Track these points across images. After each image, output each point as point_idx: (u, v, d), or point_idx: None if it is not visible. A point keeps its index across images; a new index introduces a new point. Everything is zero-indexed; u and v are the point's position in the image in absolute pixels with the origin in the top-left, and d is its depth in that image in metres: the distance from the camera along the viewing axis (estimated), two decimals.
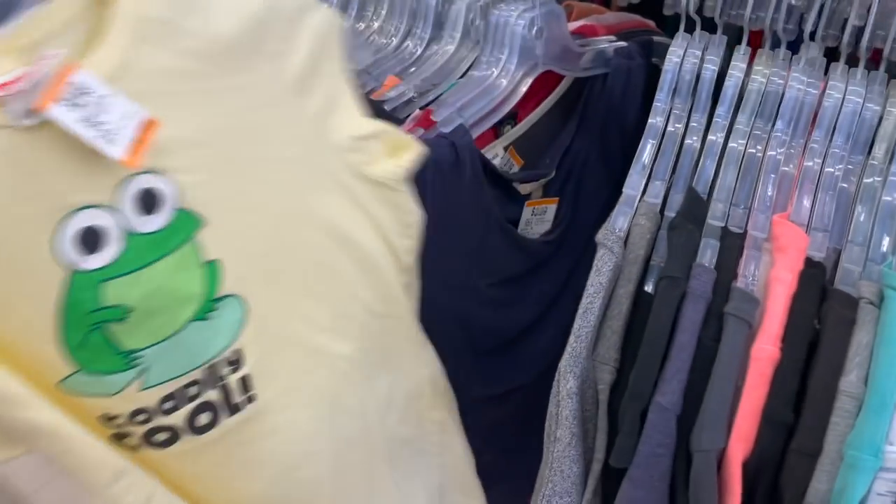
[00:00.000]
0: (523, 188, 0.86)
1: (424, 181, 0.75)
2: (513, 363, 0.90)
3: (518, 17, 0.82)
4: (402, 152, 0.66)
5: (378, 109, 0.80)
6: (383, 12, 0.89)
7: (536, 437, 0.76)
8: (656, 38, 0.89)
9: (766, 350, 0.64)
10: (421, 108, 0.82)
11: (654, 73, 0.84)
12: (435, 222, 0.77)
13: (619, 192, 0.77)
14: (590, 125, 0.87)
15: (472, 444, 0.91)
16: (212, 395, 0.55)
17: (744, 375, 0.64)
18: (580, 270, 0.91)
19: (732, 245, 0.70)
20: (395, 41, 0.88)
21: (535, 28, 0.82)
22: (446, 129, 0.78)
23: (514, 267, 0.86)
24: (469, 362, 0.87)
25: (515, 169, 0.89)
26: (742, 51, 0.74)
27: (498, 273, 0.85)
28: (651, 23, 0.97)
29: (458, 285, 0.82)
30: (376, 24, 0.90)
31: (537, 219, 0.88)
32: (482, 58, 0.84)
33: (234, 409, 0.57)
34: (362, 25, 0.90)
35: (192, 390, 0.54)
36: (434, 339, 0.82)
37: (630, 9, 0.99)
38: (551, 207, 0.89)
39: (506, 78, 0.82)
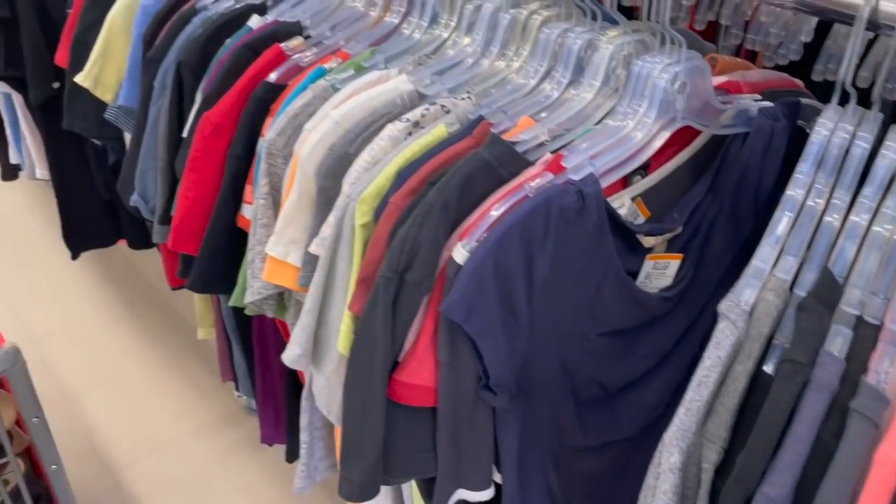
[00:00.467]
0: (647, 241, 0.84)
1: (548, 226, 0.75)
2: (615, 415, 0.89)
3: (662, 70, 0.80)
4: None
5: (509, 150, 0.80)
6: (524, 53, 0.90)
7: (629, 493, 0.75)
8: (804, 101, 0.85)
9: (892, 456, 0.60)
10: (552, 153, 0.82)
11: (798, 136, 0.81)
12: (553, 267, 0.77)
13: (746, 256, 0.74)
14: (723, 184, 0.85)
15: (564, 490, 0.90)
16: None
17: (863, 480, 0.60)
18: (696, 331, 0.89)
19: (866, 336, 0.66)
20: (532, 82, 0.88)
21: (678, 83, 0.80)
22: (576, 177, 0.77)
23: (627, 319, 0.85)
24: (570, 409, 0.86)
25: (641, 220, 0.87)
26: None
27: (610, 323, 0.84)
28: (799, 82, 0.93)
29: (568, 331, 0.82)
30: (516, 64, 0.90)
31: (658, 273, 0.86)
32: (619, 107, 0.83)
33: None
34: (502, 64, 0.91)
35: None
36: (536, 381, 0.82)
37: (779, 70, 0.96)
38: (674, 263, 0.87)
39: (642, 131, 0.81)
